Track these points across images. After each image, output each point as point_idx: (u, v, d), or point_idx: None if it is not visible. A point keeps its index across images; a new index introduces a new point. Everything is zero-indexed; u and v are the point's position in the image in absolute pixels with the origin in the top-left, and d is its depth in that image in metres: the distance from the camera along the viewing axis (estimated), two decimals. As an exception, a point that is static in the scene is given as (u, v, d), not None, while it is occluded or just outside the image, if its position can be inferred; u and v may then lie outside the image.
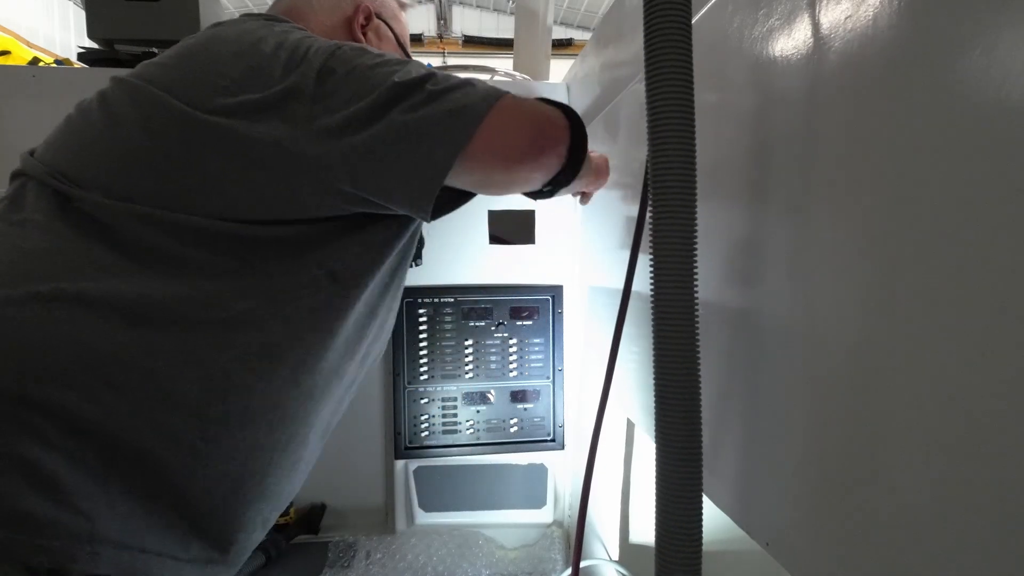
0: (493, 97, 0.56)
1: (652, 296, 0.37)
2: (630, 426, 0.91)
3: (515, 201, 1.12)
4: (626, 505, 0.90)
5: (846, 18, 0.34)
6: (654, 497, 0.37)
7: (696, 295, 0.37)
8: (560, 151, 0.60)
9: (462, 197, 0.68)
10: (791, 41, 0.40)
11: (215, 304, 0.55)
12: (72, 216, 0.55)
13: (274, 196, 0.56)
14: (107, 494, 0.49)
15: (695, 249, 0.37)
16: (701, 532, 0.37)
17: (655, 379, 0.37)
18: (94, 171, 0.57)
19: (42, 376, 0.48)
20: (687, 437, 0.36)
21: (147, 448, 0.51)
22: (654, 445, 0.37)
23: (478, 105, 0.55)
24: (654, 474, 0.37)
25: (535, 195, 0.68)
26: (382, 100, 0.54)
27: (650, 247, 0.38)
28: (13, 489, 0.45)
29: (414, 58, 0.73)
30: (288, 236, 0.58)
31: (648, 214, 0.38)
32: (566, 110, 0.62)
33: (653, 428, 0.37)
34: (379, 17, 0.80)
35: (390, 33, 0.82)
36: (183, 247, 0.55)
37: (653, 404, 0.37)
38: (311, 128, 0.55)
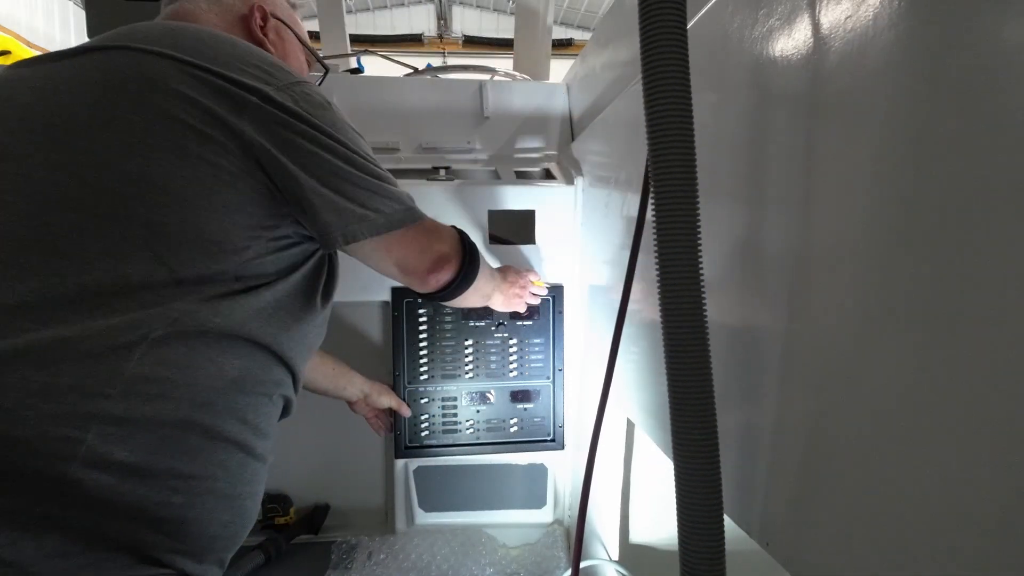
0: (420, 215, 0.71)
1: (661, 303, 0.37)
2: (630, 426, 0.90)
3: (515, 201, 1.12)
4: (626, 505, 0.90)
5: (846, 18, 0.34)
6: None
7: (704, 300, 0.36)
8: (450, 270, 0.77)
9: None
10: (791, 41, 0.40)
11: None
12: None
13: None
14: (33, 535, 0.45)
15: (699, 254, 0.37)
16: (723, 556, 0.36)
17: (671, 400, 0.36)
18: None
19: None
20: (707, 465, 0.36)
21: (65, 475, 0.46)
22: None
23: (417, 212, 0.70)
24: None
25: (429, 296, 0.80)
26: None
27: (655, 253, 0.37)
28: None
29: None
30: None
31: (650, 215, 0.38)
32: (463, 245, 0.79)
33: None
34: (275, 17, 0.79)
35: (291, 34, 0.81)
36: None
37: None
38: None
